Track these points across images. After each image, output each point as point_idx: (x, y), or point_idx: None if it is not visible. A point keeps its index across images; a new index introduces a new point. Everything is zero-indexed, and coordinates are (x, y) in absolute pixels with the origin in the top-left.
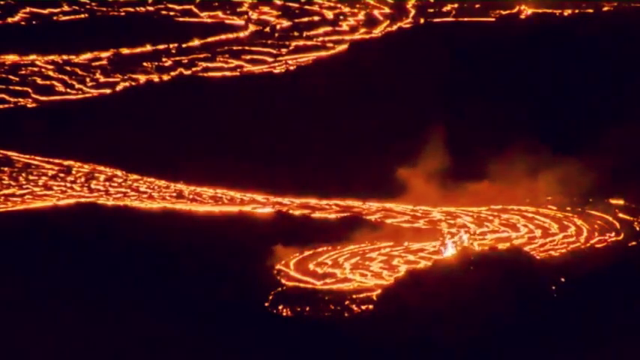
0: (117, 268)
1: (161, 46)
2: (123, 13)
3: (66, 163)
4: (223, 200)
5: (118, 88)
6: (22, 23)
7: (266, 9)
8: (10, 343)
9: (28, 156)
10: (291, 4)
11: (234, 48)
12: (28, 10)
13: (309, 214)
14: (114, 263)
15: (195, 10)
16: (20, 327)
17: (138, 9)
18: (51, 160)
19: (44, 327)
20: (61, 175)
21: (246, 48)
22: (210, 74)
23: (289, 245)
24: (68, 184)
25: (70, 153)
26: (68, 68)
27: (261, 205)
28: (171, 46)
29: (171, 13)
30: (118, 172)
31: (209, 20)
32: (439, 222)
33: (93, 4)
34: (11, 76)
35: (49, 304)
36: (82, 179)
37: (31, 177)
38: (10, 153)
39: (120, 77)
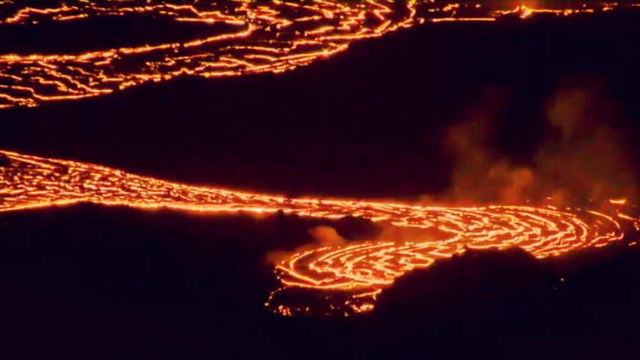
0: (115, 268)
1: (163, 46)
2: (122, 13)
3: (64, 162)
4: (207, 199)
5: (121, 87)
6: (22, 23)
7: (265, 9)
8: (7, 343)
9: (27, 156)
10: (290, 3)
11: (237, 48)
12: (27, 10)
13: (294, 213)
14: (112, 263)
15: (194, 10)
16: (19, 327)
17: (137, 9)
18: (49, 159)
19: (42, 327)
20: (56, 174)
21: (249, 47)
22: (213, 74)
23: (289, 245)
24: (62, 184)
25: (72, 153)
26: (71, 68)
27: (242, 203)
28: (173, 45)
29: (170, 13)
30: (117, 172)
31: (209, 20)
32: (421, 220)
33: (92, 4)
34: (13, 76)
35: (47, 304)
36: (77, 179)
37: (26, 177)
38: (8, 153)
39: (123, 77)
